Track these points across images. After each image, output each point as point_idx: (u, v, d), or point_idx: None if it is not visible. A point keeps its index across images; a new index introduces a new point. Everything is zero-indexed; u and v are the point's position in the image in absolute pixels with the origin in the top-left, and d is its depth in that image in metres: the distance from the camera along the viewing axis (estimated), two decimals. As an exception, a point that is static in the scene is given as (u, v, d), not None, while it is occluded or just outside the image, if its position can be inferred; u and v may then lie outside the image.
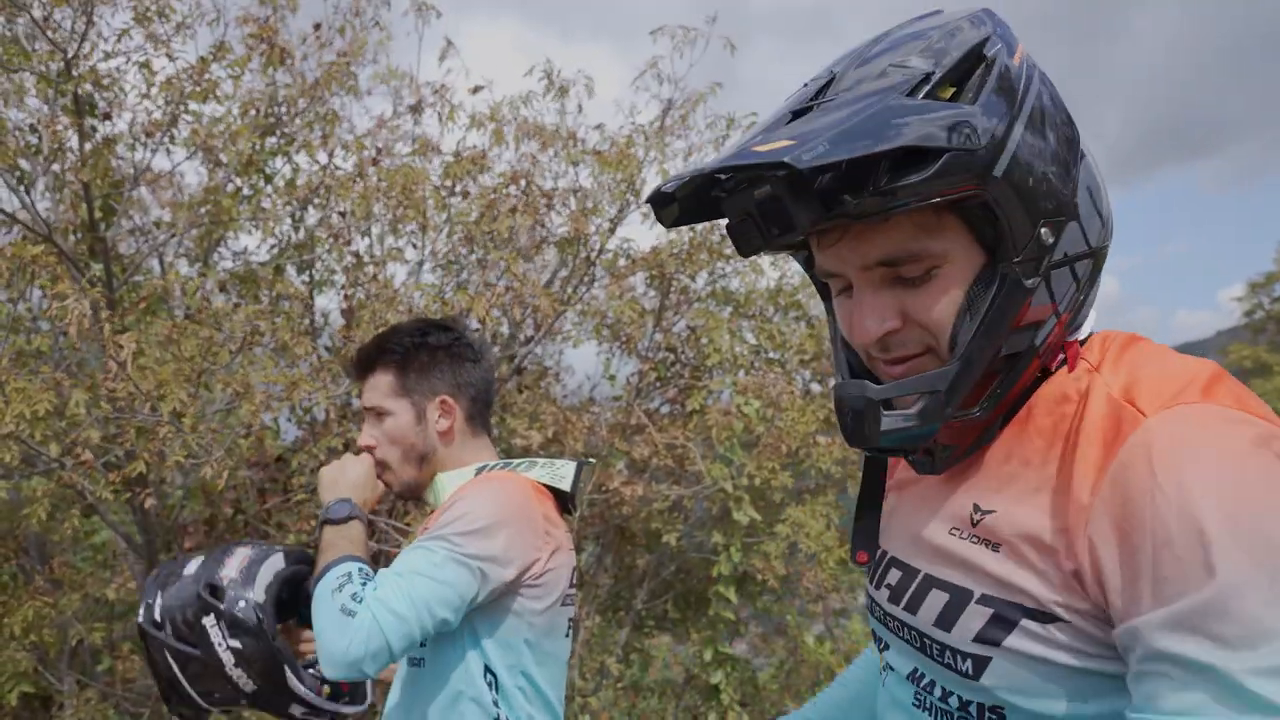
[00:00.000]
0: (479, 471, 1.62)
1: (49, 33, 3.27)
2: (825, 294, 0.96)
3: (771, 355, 4.99)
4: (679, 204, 0.86)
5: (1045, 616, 0.76)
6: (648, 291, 5.10)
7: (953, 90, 0.78)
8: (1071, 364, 0.86)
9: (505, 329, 4.71)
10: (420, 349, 1.63)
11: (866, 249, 0.81)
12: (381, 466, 1.65)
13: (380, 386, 1.63)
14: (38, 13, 3.26)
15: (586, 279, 4.73)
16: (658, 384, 4.87)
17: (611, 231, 4.64)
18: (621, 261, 4.95)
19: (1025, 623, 0.77)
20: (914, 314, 0.82)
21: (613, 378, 4.96)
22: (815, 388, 5.17)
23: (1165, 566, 0.67)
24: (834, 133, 0.71)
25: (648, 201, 0.86)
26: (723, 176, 0.80)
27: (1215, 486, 0.68)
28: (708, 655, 4.55)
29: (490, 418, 1.75)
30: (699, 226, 4.79)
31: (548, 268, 4.96)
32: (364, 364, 1.66)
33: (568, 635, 1.67)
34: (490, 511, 1.47)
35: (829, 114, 0.76)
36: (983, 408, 0.83)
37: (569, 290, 4.70)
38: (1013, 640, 0.78)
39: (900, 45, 0.81)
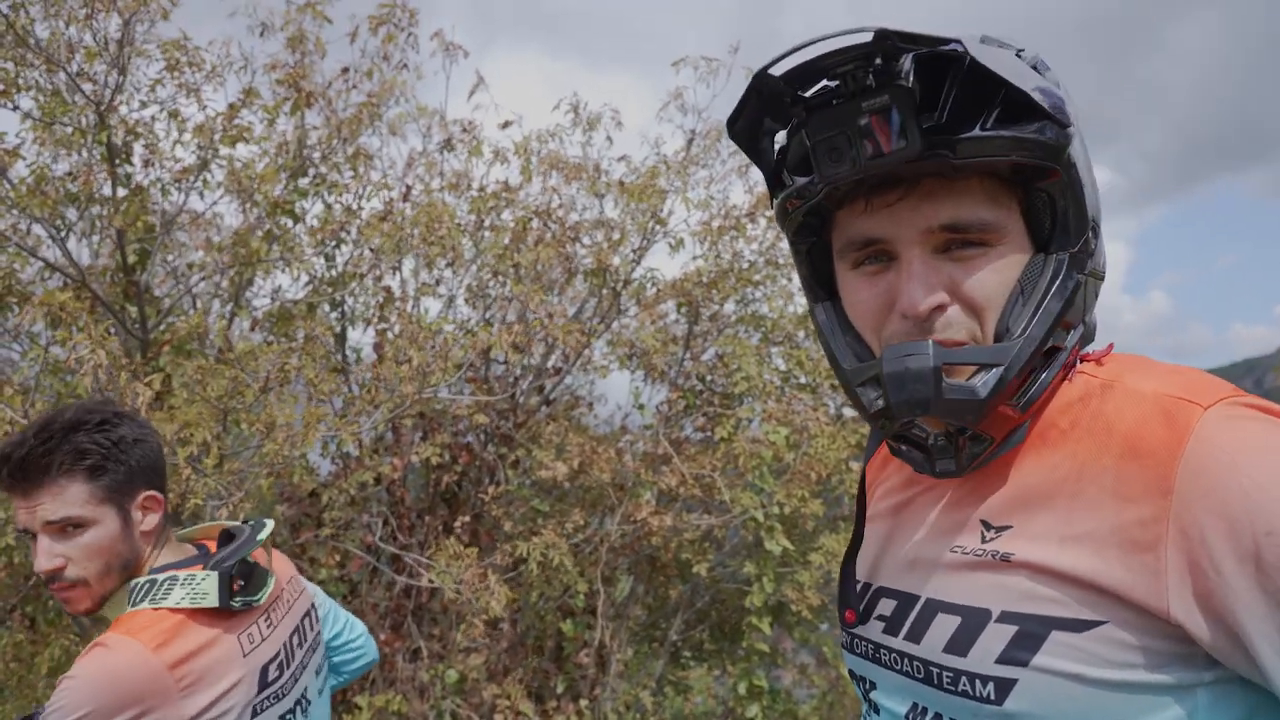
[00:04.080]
0: (132, 594, 1.38)
1: (84, 85, 3.39)
2: (814, 285, 0.94)
3: (802, 380, 4.94)
4: (758, 103, 0.82)
5: (1081, 625, 0.72)
6: (678, 319, 5.09)
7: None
8: (1091, 360, 0.85)
9: (534, 360, 4.73)
10: (119, 445, 1.38)
11: (934, 210, 0.78)
12: (68, 586, 1.36)
13: (72, 496, 1.33)
14: (73, 68, 3.39)
15: (614, 309, 4.74)
16: (687, 412, 4.85)
17: (637, 262, 4.65)
18: (650, 289, 4.95)
19: (1057, 634, 0.73)
20: (966, 290, 0.79)
21: (642, 407, 4.94)
22: (847, 412, 5.09)
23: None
24: (976, 45, 0.73)
25: (754, 77, 0.80)
26: (842, 68, 0.76)
27: None
28: (742, 689, 4.48)
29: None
30: (725, 254, 4.78)
31: (578, 299, 4.99)
32: (36, 472, 1.33)
33: None
34: (87, 700, 1.22)
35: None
36: (1020, 402, 0.80)
37: (596, 321, 4.71)
38: (1042, 657, 0.73)
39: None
